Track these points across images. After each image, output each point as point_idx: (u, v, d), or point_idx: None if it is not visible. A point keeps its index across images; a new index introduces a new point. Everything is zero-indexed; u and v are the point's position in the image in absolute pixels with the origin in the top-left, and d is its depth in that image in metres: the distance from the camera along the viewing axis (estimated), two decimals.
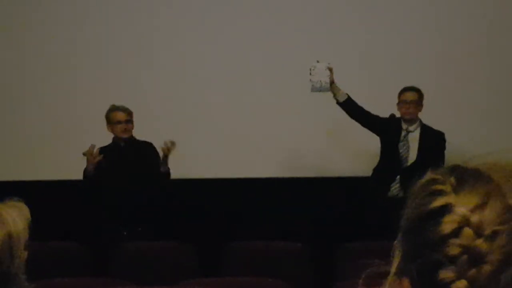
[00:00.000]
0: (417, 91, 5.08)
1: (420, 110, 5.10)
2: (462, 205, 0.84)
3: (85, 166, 4.90)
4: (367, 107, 5.07)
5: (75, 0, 6.00)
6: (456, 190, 0.86)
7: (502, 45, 5.88)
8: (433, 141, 5.04)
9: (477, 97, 5.84)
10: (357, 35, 5.87)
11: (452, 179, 0.87)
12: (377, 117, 5.09)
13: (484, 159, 0.89)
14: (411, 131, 5.09)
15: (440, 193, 0.86)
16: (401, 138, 5.07)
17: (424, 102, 5.13)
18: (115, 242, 4.64)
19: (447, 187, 0.86)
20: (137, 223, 4.88)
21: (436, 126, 5.15)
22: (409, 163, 5.01)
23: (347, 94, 5.01)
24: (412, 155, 5.03)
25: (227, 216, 5.73)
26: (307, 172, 5.89)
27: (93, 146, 4.82)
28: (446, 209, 0.84)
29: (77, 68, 5.91)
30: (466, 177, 0.87)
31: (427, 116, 5.18)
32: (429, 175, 0.89)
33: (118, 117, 4.97)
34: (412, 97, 5.06)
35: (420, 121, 5.12)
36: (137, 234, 4.82)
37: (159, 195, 5.04)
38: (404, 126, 5.10)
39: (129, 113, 5.00)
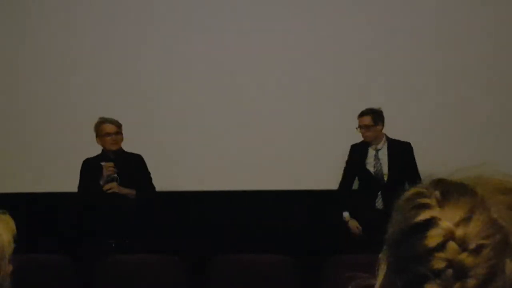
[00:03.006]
0: (371, 114, 5.14)
1: (379, 130, 5.19)
2: (447, 219, 0.84)
3: (79, 181, 4.98)
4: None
5: (69, 8, 6.00)
6: (441, 203, 0.86)
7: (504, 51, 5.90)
8: (401, 153, 5.17)
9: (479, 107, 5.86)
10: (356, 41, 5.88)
11: (437, 193, 0.87)
12: (351, 174, 5.29)
13: (468, 173, 0.89)
14: (379, 149, 5.22)
15: (425, 206, 0.86)
16: (373, 157, 5.20)
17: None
18: (102, 254, 4.62)
19: (432, 201, 0.86)
20: (124, 235, 4.86)
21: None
22: (385, 179, 5.14)
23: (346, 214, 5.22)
24: (386, 171, 5.17)
25: (214, 229, 5.71)
26: (294, 184, 5.88)
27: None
28: (431, 222, 0.84)
29: (74, 72, 5.92)
30: (451, 190, 0.87)
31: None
32: (414, 189, 0.89)
33: (108, 130, 5.00)
34: (365, 122, 5.16)
35: (386, 137, 5.24)
36: (124, 246, 4.81)
37: (146, 207, 5.02)
38: (372, 146, 5.22)
39: (118, 125, 5.04)
